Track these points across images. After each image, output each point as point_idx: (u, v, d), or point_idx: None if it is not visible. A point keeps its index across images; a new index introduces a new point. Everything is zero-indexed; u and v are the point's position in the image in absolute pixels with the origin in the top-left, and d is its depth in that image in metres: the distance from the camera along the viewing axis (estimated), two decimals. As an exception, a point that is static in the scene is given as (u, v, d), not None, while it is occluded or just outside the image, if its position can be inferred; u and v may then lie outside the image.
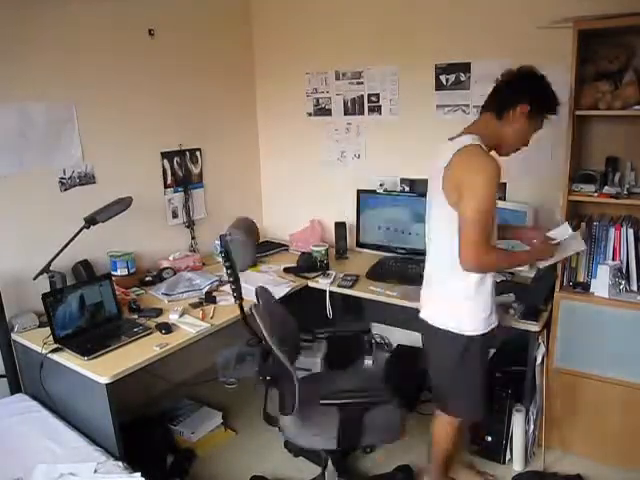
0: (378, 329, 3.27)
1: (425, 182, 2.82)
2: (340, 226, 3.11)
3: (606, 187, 2.22)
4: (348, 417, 1.87)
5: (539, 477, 2.29)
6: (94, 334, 2.19)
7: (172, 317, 2.30)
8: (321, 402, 1.86)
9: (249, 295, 2.57)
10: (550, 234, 1.99)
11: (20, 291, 2.32)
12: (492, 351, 2.65)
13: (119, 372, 1.92)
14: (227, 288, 2.65)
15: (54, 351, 2.06)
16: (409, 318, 2.82)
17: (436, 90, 2.81)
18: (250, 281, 2.74)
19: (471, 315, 1.87)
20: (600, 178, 2.26)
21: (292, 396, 1.86)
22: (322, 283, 2.73)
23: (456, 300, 1.87)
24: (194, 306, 2.45)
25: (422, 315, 2.02)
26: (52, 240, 2.29)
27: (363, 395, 1.97)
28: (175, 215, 3.05)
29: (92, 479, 1.74)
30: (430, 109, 2.84)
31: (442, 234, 1.84)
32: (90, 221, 2.33)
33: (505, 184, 2.71)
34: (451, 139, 1.85)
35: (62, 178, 2.48)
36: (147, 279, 2.71)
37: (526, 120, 1.81)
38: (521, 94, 1.79)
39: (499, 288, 2.49)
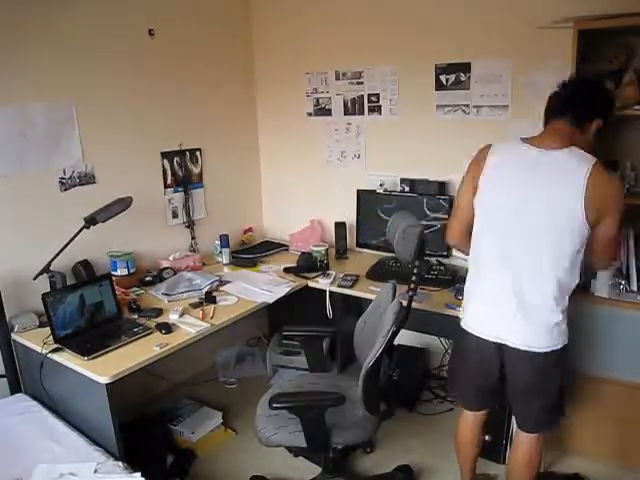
0: (378, 329, 3.27)
1: (424, 182, 2.88)
2: (340, 226, 3.10)
3: (606, 187, 2.22)
4: (307, 418, 1.90)
5: (538, 477, 2.29)
6: (94, 334, 2.19)
7: (172, 317, 2.30)
8: (272, 406, 1.88)
9: (249, 295, 2.58)
10: None
11: (20, 291, 2.32)
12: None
13: (119, 372, 1.92)
14: (227, 288, 2.66)
15: (54, 351, 2.06)
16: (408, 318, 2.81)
17: (436, 90, 2.81)
18: (250, 281, 2.74)
19: (567, 326, 1.81)
20: (600, 178, 2.26)
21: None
22: (322, 283, 2.73)
23: (563, 320, 1.77)
24: (194, 306, 2.45)
25: (514, 344, 1.78)
26: (52, 240, 2.29)
27: (311, 399, 1.99)
28: (175, 215, 3.05)
29: (92, 479, 1.74)
30: (430, 109, 2.84)
31: (563, 250, 1.70)
32: (90, 221, 2.33)
33: (505, 184, 2.71)
34: (547, 146, 1.71)
35: (62, 178, 2.48)
36: (147, 279, 2.71)
37: (595, 134, 1.80)
38: (599, 110, 1.78)
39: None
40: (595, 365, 2.27)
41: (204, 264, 3.00)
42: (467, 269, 2.73)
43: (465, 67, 2.69)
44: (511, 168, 1.77)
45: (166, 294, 2.54)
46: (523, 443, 1.97)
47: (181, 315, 2.33)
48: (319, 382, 2.26)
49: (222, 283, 2.69)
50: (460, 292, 2.45)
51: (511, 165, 1.77)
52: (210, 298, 2.51)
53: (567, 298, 1.77)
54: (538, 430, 1.94)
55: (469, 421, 2.10)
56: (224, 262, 3.03)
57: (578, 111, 1.75)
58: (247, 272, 2.91)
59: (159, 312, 2.36)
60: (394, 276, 2.69)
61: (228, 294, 2.59)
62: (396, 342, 3.17)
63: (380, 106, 3.01)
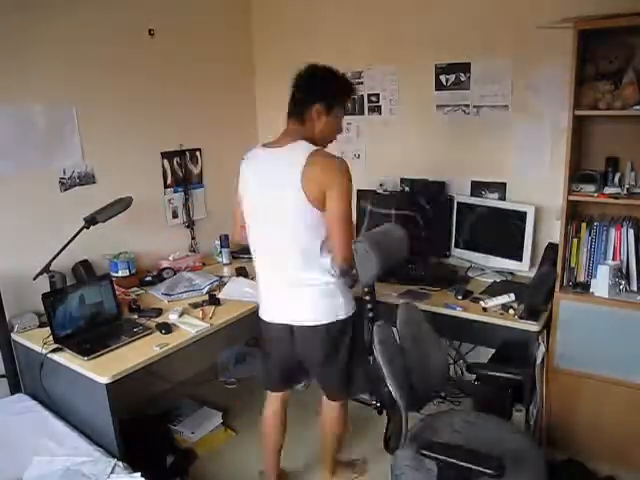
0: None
1: (424, 182, 2.88)
2: (340, 226, 3.10)
3: (606, 187, 2.23)
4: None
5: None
6: (94, 334, 2.18)
7: (172, 317, 2.30)
8: (421, 452, 1.63)
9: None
10: None
11: (20, 291, 2.31)
12: (492, 351, 2.66)
13: (119, 372, 1.92)
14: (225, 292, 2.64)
15: (54, 351, 2.06)
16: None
17: (436, 90, 2.81)
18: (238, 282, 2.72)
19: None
20: (600, 178, 2.26)
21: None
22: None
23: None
24: (194, 306, 2.44)
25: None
26: (52, 240, 2.29)
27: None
28: (175, 215, 3.05)
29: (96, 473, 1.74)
30: (430, 109, 2.84)
31: (298, 232, 1.87)
32: (90, 221, 2.33)
33: (505, 184, 2.71)
34: (278, 145, 1.91)
35: (62, 178, 2.48)
36: (147, 279, 2.71)
37: (326, 116, 1.89)
38: (311, 95, 1.89)
39: (500, 288, 2.51)
40: (595, 365, 2.27)
41: (204, 264, 2.99)
42: (467, 268, 2.76)
43: (465, 67, 2.69)
44: (251, 172, 1.98)
45: (166, 294, 2.53)
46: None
47: (181, 315, 2.32)
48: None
49: (223, 283, 2.69)
50: (460, 292, 2.46)
51: (251, 169, 1.99)
52: (213, 299, 2.49)
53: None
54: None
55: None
56: (224, 262, 3.03)
57: (296, 104, 1.92)
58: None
59: (159, 312, 2.36)
60: (393, 276, 2.69)
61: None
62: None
63: (380, 106, 3.02)
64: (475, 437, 1.86)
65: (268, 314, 2.03)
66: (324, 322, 1.92)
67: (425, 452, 1.62)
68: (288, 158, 1.83)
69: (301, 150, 1.81)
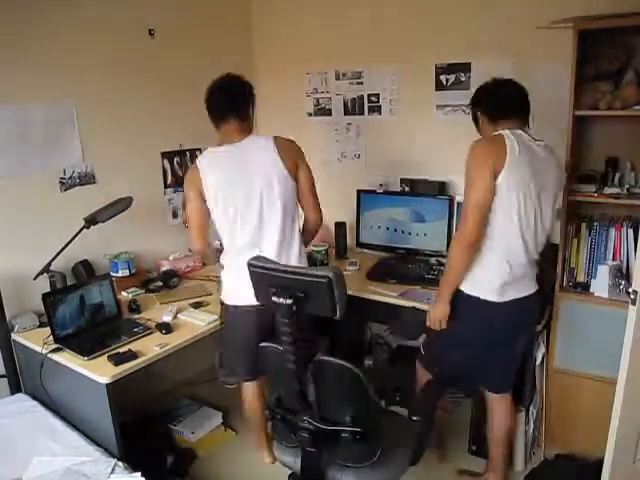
0: (378, 329, 3.27)
1: (424, 182, 2.88)
2: (340, 226, 3.10)
3: (606, 187, 2.23)
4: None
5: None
6: (94, 334, 2.19)
7: (165, 318, 2.29)
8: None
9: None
10: None
11: (20, 291, 2.32)
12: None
13: (119, 372, 1.92)
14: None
15: (54, 351, 2.07)
16: (409, 318, 2.81)
17: (436, 90, 2.81)
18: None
19: None
20: (600, 178, 2.26)
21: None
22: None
23: None
24: (194, 306, 2.45)
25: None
26: (52, 240, 2.29)
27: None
28: (175, 215, 3.05)
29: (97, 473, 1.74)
30: (430, 109, 2.84)
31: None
32: (90, 221, 2.33)
33: (505, 184, 2.71)
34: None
35: (62, 178, 2.48)
36: (152, 284, 2.69)
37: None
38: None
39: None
40: (595, 365, 2.27)
41: (204, 264, 2.99)
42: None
43: (465, 67, 2.69)
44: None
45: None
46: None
47: (174, 318, 2.32)
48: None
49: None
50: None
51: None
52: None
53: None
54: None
55: None
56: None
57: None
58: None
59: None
60: (394, 276, 2.69)
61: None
62: (396, 342, 3.20)
63: (380, 106, 3.01)
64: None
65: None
66: None
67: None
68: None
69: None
